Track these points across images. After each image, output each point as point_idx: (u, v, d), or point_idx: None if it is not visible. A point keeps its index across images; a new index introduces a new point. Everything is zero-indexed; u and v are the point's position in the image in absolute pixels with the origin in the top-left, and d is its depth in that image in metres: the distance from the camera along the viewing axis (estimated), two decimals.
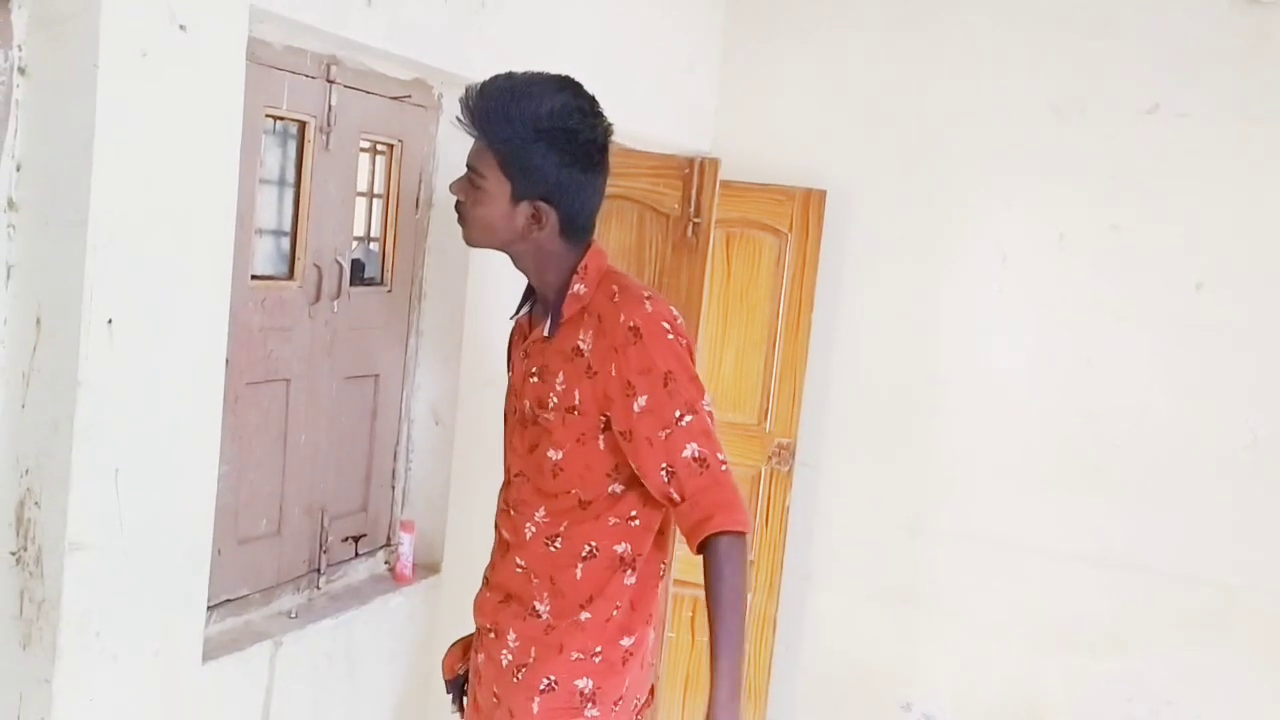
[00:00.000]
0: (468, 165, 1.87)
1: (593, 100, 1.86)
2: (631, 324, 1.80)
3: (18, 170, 1.72)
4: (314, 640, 2.34)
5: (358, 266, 2.56)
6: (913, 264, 3.86)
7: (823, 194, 3.83)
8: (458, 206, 1.90)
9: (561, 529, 1.89)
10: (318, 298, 2.35)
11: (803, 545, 3.97)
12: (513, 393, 1.99)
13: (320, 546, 2.46)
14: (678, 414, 1.79)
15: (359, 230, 2.55)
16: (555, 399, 1.86)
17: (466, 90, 1.84)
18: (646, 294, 1.86)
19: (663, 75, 3.63)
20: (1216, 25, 3.48)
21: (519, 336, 2.02)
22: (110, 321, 1.73)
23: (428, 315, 2.72)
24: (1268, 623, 3.48)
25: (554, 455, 1.87)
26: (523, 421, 1.93)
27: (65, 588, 1.72)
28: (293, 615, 2.34)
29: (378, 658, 2.51)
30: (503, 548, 1.98)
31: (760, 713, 3.93)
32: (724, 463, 1.82)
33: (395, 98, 2.49)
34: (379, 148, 2.56)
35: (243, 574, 2.25)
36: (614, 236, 3.30)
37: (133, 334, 1.76)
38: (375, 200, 2.60)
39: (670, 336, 1.82)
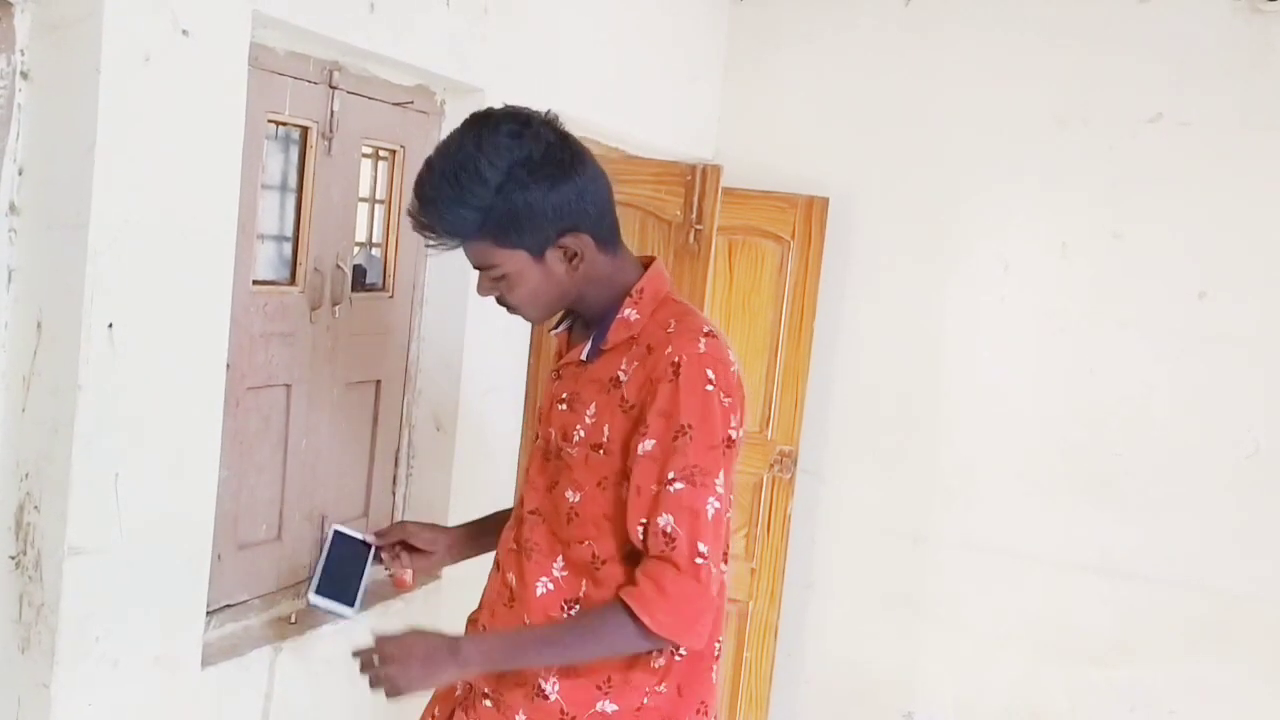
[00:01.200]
0: (474, 266, 1.66)
1: (512, 113, 1.60)
2: (676, 359, 1.57)
3: (20, 174, 1.73)
4: (314, 646, 2.33)
5: (359, 272, 2.56)
6: (915, 272, 3.86)
7: (825, 201, 3.83)
8: (499, 302, 1.68)
9: (581, 593, 1.64)
10: (319, 303, 2.35)
11: (804, 553, 3.97)
12: (541, 418, 1.76)
13: (320, 552, 2.45)
14: (670, 475, 1.55)
15: (361, 236, 2.55)
16: (582, 432, 1.64)
17: (408, 212, 1.64)
18: (706, 329, 1.63)
19: (665, 82, 3.63)
20: (1219, 34, 3.48)
21: (556, 355, 1.80)
22: (111, 326, 1.73)
23: (429, 321, 2.72)
24: (1271, 632, 3.47)
25: (572, 497, 1.64)
26: (545, 453, 1.70)
27: (64, 592, 1.72)
28: (292, 621, 2.33)
29: None
30: (506, 595, 1.71)
31: (761, 719, 3.92)
32: (703, 556, 1.54)
33: (397, 104, 2.49)
34: (381, 154, 2.56)
35: (243, 579, 2.25)
36: None
37: (133, 338, 1.76)
38: (377, 206, 2.60)
39: (709, 388, 1.57)
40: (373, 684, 1.63)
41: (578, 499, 1.64)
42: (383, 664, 1.61)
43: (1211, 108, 3.50)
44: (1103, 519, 3.64)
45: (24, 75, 1.72)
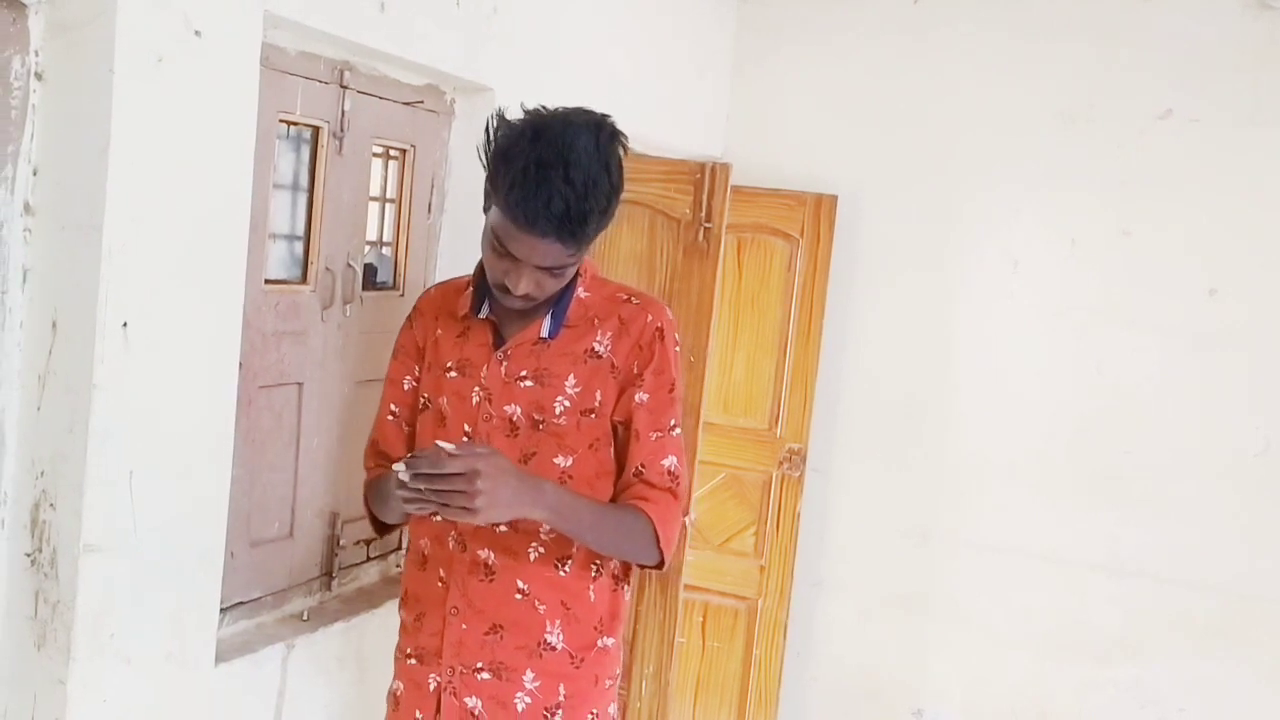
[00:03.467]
0: (542, 267, 1.72)
1: (602, 115, 1.73)
2: (658, 326, 1.81)
3: (34, 175, 1.74)
4: (326, 643, 2.34)
5: (370, 271, 2.57)
6: (923, 269, 3.86)
7: (833, 199, 3.84)
8: (523, 294, 1.75)
9: (572, 548, 1.82)
10: (330, 302, 2.36)
11: (813, 551, 3.98)
12: (467, 397, 1.84)
13: (332, 549, 2.46)
14: (672, 423, 1.82)
15: (371, 235, 2.56)
16: (566, 402, 1.80)
17: (540, 210, 1.64)
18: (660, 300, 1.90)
19: (674, 81, 3.64)
20: (1227, 31, 3.48)
21: (461, 337, 1.88)
22: (125, 325, 1.74)
23: None
24: (1278, 630, 3.47)
25: (562, 462, 1.80)
26: (508, 430, 1.81)
27: (80, 589, 1.74)
28: (305, 618, 2.35)
29: (389, 660, 2.50)
30: (481, 570, 1.82)
31: (771, 718, 3.93)
32: (687, 493, 1.90)
33: (408, 103, 2.50)
34: (391, 153, 2.57)
35: (255, 577, 2.26)
36: (625, 242, 3.30)
37: (147, 337, 1.78)
38: (388, 205, 2.61)
39: (678, 350, 1.85)
40: (450, 503, 1.61)
41: (569, 463, 1.80)
42: (476, 480, 1.59)
43: (1220, 104, 3.50)
44: (1111, 518, 3.65)
45: (38, 76, 1.73)
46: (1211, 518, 3.53)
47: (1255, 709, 3.50)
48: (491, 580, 1.82)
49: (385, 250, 2.65)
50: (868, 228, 3.90)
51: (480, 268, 1.88)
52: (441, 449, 1.62)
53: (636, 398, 1.80)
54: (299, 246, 2.32)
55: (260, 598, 2.28)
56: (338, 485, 2.48)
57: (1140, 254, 3.60)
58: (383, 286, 2.60)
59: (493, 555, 1.82)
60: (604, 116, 1.72)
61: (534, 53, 2.74)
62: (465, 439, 1.83)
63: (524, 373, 1.82)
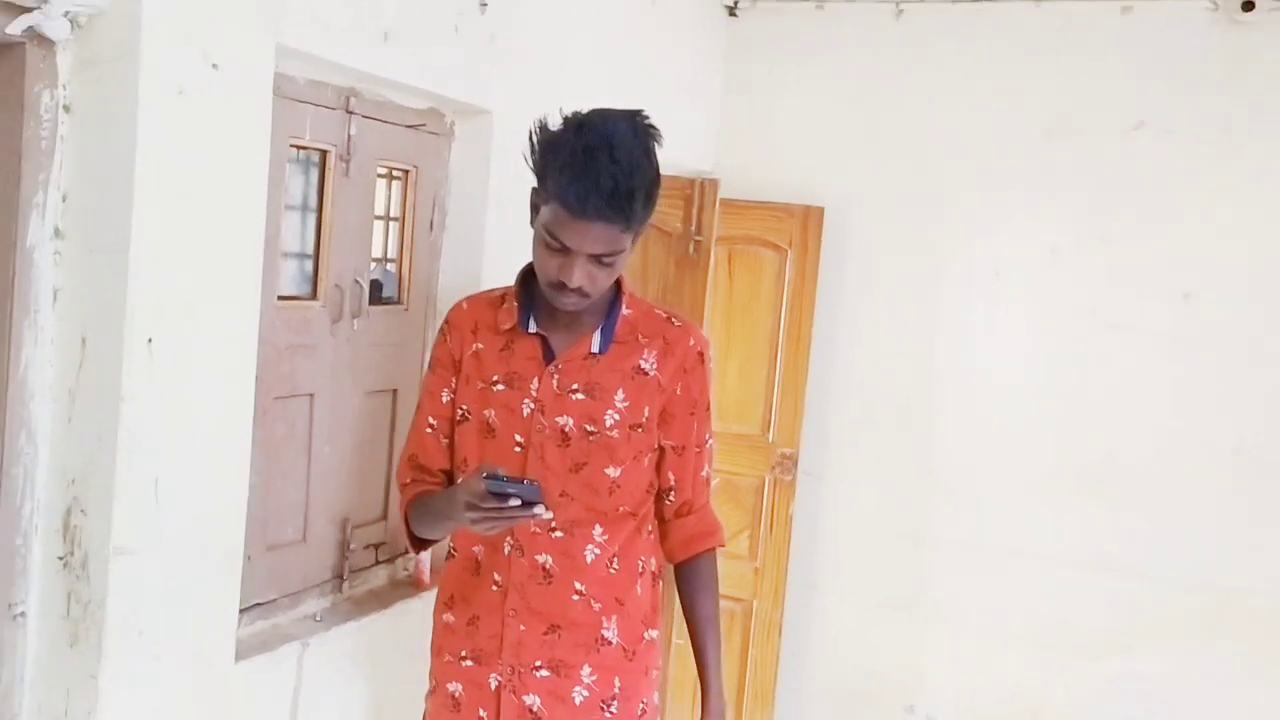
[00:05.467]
0: (593, 256, 1.80)
1: (635, 109, 1.88)
2: (700, 350, 1.97)
3: (63, 200, 1.85)
4: (339, 642, 2.45)
5: (376, 286, 2.68)
6: (910, 278, 3.98)
7: (821, 211, 3.96)
8: (577, 290, 1.83)
9: (617, 548, 1.95)
10: (339, 316, 2.48)
11: (807, 553, 4.08)
12: (517, 409, 1.92)
13: (343, 553, 2.57)
14: (708, 437, 2.02)
15: (377, 252, 2.67)
16: (616, 415, 1.91)
17: (591, 189, 1.74)
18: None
19: (666, 100, 3.75)
20: (1201, 45, 3.61)
21: (506, 351, 1.96)
22: (150, 340, 1.85)
23: None
24: (1263, 624, 3.58)
25: (612, 472, 1.92)
26: (560, 440, 1.91)
27: (111, 590, 1.84)
28: (318, 618, 2.45)
29: (399, 659, 2.61)
30: (539, 574, 1.93)
31: (768, 717, 4.03)
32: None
33: (410, 126, 2.62)
34: (395, 173, 2.68)
35: (271, 579, 2.37)
36: None
37: (171, 352, 1.89)
38: (392, 223, 2.72)
39: (713, 366, 2.03)
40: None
41: (619, 473, 1.92)
42: None
43: (1194, 116, 3.62)
44: (1097, 516, 3.76)
45: (66, 109, 1.84)
46: (1192, 514, 3.64)
47: (1241, 701, 3.61)
48: (549, 583, 1.93)
49: (390, 266, 2.76)
50: (855, 238, 4.01)
51: (520, 281, 1.98)
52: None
53: (695, 423, 1.97)
54: (309, 264, 2.44)
55: (276, 599, 2.39)
56: (348, 492, 2.59)
57: (1118, 261, 3.72)
58: (388, 301, 2.71)
59: (550, 559, 1.92)
60: (638, 110, 1.86)
61: (530, 76, 2.86)
62: (517, 448, 1.92)
63: (575, 386, 1.91)
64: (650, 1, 3.56)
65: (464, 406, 1.99)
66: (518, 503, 1.70)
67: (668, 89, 3.76)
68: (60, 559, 1.88)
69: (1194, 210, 3.64)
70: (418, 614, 2.68)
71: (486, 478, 1.71)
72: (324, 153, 2.41)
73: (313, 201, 2.43)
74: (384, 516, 2.73)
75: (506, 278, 2.73)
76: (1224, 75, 3.59)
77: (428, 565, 2.76)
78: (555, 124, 1.84)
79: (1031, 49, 3.79)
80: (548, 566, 1.93)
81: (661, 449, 1.98)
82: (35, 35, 1.77)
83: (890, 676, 4.04)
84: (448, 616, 2.03)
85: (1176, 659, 3.67)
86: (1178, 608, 3.66)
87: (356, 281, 2.52)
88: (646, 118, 1.85)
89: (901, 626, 4.03)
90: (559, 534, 1.91)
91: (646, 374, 1.93)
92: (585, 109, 1.86)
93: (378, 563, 2.72)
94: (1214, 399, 3.62)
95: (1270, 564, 3.56)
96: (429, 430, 2.04)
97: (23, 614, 1.89)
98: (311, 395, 2.44)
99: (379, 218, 2.66)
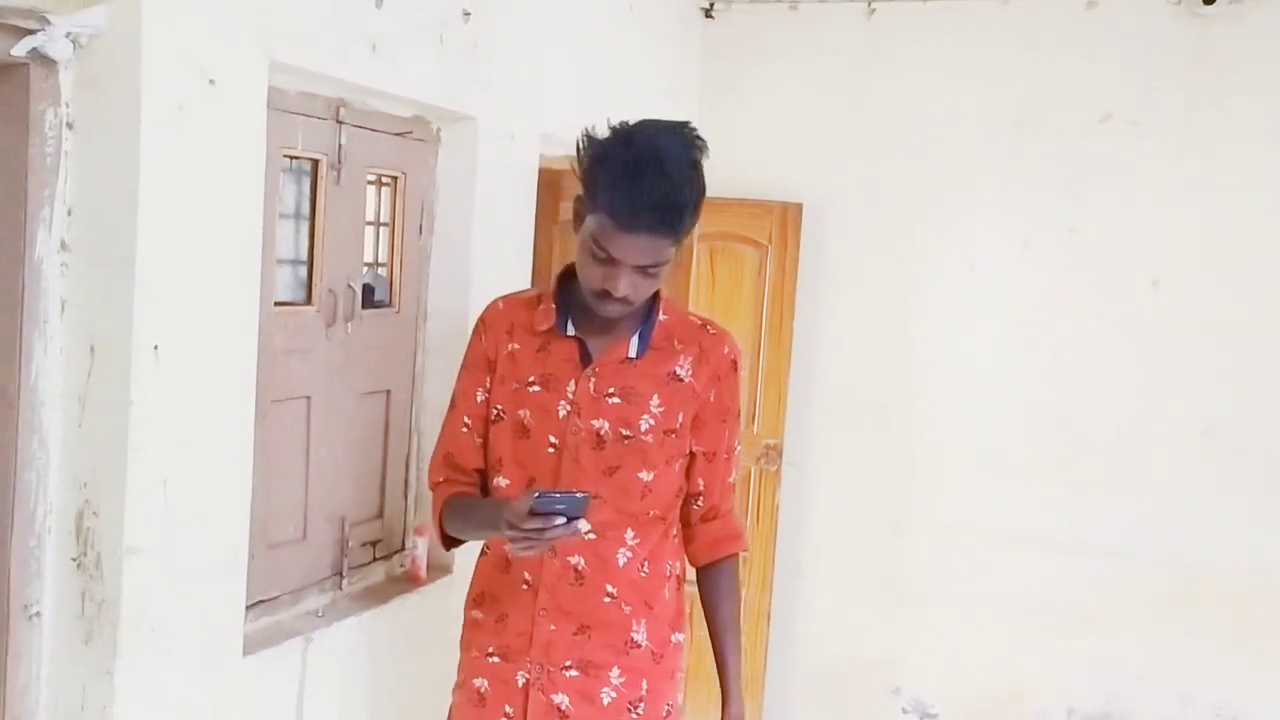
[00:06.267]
0: (639, 266, 1.81)
1: (686, 123, 1.89)
2: (733, 358, 2.00)
3: (69, 214, 1.92)
4: (340, 637, 2.52)
5: (368, 290, 2.75)
6: (887, 271, 4.08)
7: (799, 207, 4.05)
8: (621, 299, 1.84)
9: (648, 552, 1.96)
10: (333, 320, 2.55)
11: (792, 542, 4.17)
12: (553, 410, 1.93)
13: (342, 551, 2.65)
14: (736, 444, 2.07)
15: (368, 257, 2.75)
16: (651, 420, 1.92)
17: (640, 202, 1.75)
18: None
19: (645, 102, 3.83)
20: (1162, 39, 3.71)
21: (542, 352, 1.96)
22: (156, 348, 1.92)
23: (432, 334, 2.91)
24: (1230, 597, 3.70)
25: (645, 476, 1.92)
26: (595, 443, 1.92)
27: (124, 588, 1.91)
28: (319, 614, 2.53)
29: (397, 652, 2.69)
30: (570, 575, 1.94)
31: (757, 702, 4.11)
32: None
33: (398, 134, 2.70)
34: (384, 180, 2.76)
35: (274, 577, 2.44)
36: None
37: (176, 358, 1.96)
38: (382, 228, 2.80)
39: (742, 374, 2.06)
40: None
41: (651, 477, 1.94)
42: None
43: (1157, 107, 3.73)
44: (1070, 499, 3.86)
45: (69, 126, 1.91)
46: (1162, 495, 3.75)
47: (1208, 671, 3.73)
48: (581, 584, 1.94)
49: (381, 270, 2.84)
50: (832, 233, 4.10)
51: (559, 283, 1.99)
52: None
53: (713, 423, 1.99)
54: (303, 270, 2.51)
55: (278, 596, 2.46)
56: (345, 491, 2.66)
57: (1087, 250, 3.82)
58: (380, 305, 2.79)
59: (582, 561, 1.93)
60: (685, 123, 1.88)
61: (512, 82, 2.94)
62: (551, 449, 1.93)
63: (611, 389, 1.92)
64: (628, 6, 3.64)
65: (499, 406, 1.99)
66: (562, 521, 1.69)
67: (647, 90, 3.84)
68: (73, 560, 1.95)
69: (1159, 199, 3.74)
70: (415, 608, 2.77)
71: (539, 497, 1.70)
72: (315, 162, 2.48)
73: (305, 209, 2.51)
74: (380, 515, 2.81)
75: (494, 279, 2.82)
76: (1186, 67, 3.69)
77: (424, 561, 2.84)
78: (602, 134, 1.84)
79: (1000, 46, 3.89)
80: (579, 568, 1.93)
81: (692, 454, 2.00)
82: (39, 56, 1.84)
83: (876, 659, 4.14)
84: (476, 613, 2.04)
85: (1149, 634, 3.78)
86: (1149, 585, 3.77)
87: (349, 286, 2.60)
88: (694, 130, 1.86)
89: (885, 610, 4.12)
90: (591, 535, 1.87)
91: (681, 380, 1.95)
92: (632, 119, 1.86)
93: (375, 559, 2.79)
94: (1182, 383, 3.73)
95: (1236, 541, 3.67)
96: (464, 430, 2.03)
97: (38, 614, 1.96)
98: (308, 398, 2.51)
99: (369, 223, 2.73)
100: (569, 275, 1.97)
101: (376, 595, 2.72)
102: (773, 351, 4.07)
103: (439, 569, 2.87)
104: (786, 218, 4.05)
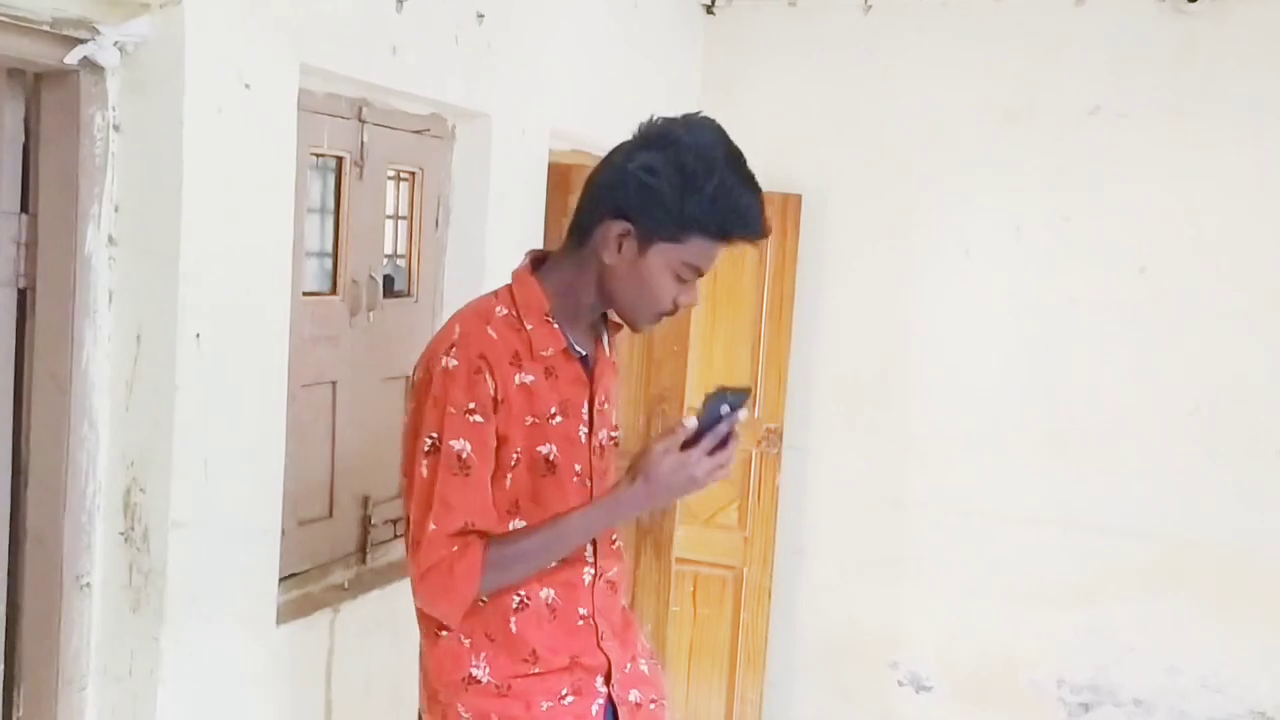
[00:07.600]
0: (703, 272, 1.76)
1: (703, 115, 1.85)
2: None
3: (116, 211, 2.05)
4: (365, 609, 2.66)
5: (388, 281, 2.89)
6: (884, 259, 4.20)
7: (798, 198, 4.17)
8: (679, 307, 1.76)
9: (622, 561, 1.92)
10: (357, 309, 2.69)
11: (793, 521, 4.30)
12: (575, 436, 1.77)
13: (365, 528, 2.79)
14: None
15: (388, 249, 2.88)
16: (616, 424, 1.90)
17: (754, 212, 1.72)
18: None
19: (650, 96, 3.93)
20: (1149, 32, 3.83)
21: (551, 378, 1.74)
22: (198, 336, 2.06)
23: None
24: (1216, 571, 3.84)
25: (613, 478, 1.82)
26: (601, 453, 1.83)
27: (170, 560, 2.06)
28: (346, 587, 2.67)
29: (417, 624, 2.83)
30: (608, 590, 1.84)
31: (759, 677, 4.25)
32: None
33: (416, 131, 2.83)
34: (403, 175, 2.89)
35: (303, 551, 2.58)
36: None
37: (217, 345, 2.10)
38: (400, 221, 2.93)
39: None
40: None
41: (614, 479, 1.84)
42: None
43: (1145, 99, 3.85)
44: (1062, 476, 3.99)
45: (116, 128, 2.04)
46: (1151, 472, 3.88)
47: (1198, 641, 3.86)
48: (614, 593, 1.86)
49: (400, 261, 2.97)
50: (831, 223, 4.23)
51: (536, 296, 1.74)
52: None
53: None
54: (328, 262, 2.65)
55: (308, 570, 2.60)
56: (368, 471, 2.80)
57: (1078, 238, 3.95)
58: (399, 294, 2.92)
59: (615, 569, 1.86)
60: (700, 113, 1.82)
61: (524, 80, 3.06)
62: (576, 478, 1.76)
63: (602, 397, 1.83)
64: (633, 3, 3.77)
65: (517, 449, 1.70)
66: (727, 409, 1.60)
67: (651, 85, 3.96)
68: (121, 534, 2.09)
69: (1147, 188, 3.86)
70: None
71: (711, 397, 1.60)
72: (340, 159, 2.61)
73: (330, 204, 2.64)
74: (401, 494, 2.94)
75: (507, 269, 2.94)
76: (1172, 61, 3.81)
77: None
78: (662, 167, 1.68)
79: (993, 41, 4.00)
80: (612, 578, 1.84)
81: None
82: (88, 63, 1.98)
83: (875, 634, 4.28)
84: (534, 669, 1.74)
85: (1140, 607, 3.92)
86: (1140, 559, 3.91)
87: (371, 276, 2.73)
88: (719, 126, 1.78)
89: (884, 587, 4.26)
90: (619, 543, 1.85)
91: (616, 369, 1.92)
92: (635, 125, 1.78)
93: (396, 536, 2.93)
94: (1170, 365, 3.86)
95: (1223, 516, 3.80)
96: (485, 493, 1.69)
97: (89, 584, 2.10)
98: (334, 383, 2.65)
99: (389, 217, 2.86)
100: (540, 279, 1.77)
101: (399, 570, 2.84)
102: (773, 338, 4.19)
103: None
104: (786, 208, 4.17)
